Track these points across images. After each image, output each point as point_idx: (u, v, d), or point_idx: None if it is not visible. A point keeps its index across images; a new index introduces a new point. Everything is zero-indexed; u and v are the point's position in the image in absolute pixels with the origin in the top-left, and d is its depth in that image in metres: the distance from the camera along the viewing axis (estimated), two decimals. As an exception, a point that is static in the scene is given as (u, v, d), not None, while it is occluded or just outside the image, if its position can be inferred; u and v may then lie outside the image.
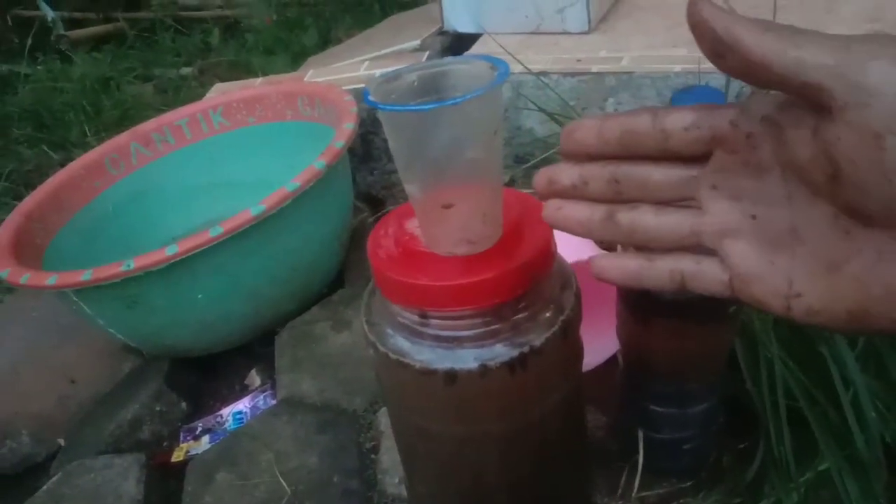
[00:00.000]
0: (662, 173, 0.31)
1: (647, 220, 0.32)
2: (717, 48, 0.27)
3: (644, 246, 0.32)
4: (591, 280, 0.52)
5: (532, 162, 1.01)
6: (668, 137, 0.30)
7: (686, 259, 0.31)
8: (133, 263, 0.75)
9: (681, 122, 0.30)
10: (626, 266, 0.33)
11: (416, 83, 0.41)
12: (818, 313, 0.28)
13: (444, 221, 0.42)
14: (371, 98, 0.37)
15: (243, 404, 0.89)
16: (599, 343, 0.72)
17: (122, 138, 1.15)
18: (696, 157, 0.31)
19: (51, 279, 0.78)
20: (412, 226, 0.47)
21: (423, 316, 0.44)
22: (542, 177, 0.34)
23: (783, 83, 0.26)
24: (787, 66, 0.25)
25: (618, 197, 0.32)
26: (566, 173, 0.33)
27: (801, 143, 0.27)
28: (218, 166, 1.19)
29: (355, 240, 1.08)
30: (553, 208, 0.34)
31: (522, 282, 0.43)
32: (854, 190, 0.25)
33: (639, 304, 0.56)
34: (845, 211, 0.26)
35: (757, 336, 0.66)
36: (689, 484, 0.64)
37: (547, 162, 1.00)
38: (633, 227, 0.32)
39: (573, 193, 0.33)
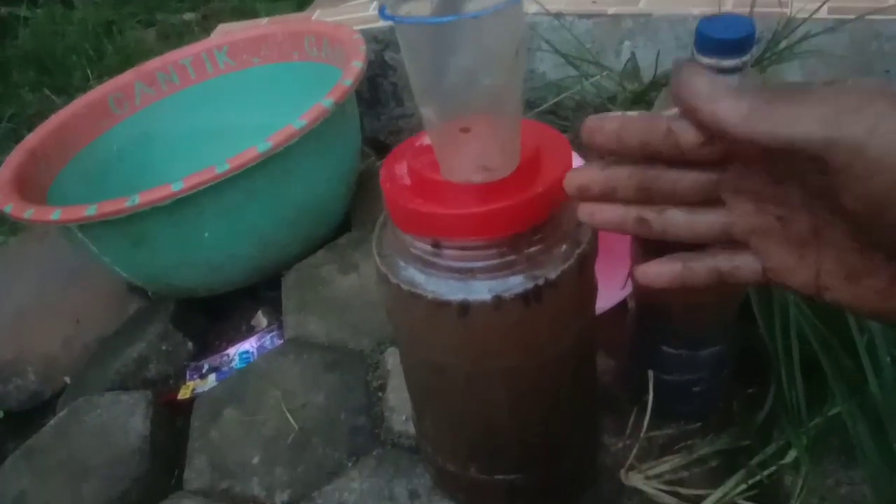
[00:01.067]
0: (687, 179, 0.32)
1: (678, 220, 0.33)
2: (705, 132, 0.28)
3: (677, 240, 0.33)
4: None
5: (544, 106, 0.99)
6: (685, 152, 0.31)
7: (721, 256, 0.32)
8: (138, 199, 0.74)
9: (694, 140, 0.30)
10: (670, 271, 0.34)
11: (434, 2, 0.40)
12: (845, 307, 0.30)
13: (461, 147, 0.40)
14: (388, 12, 0.35)
15: (250, 344, 0.89)
16: (609, 289, 0.71)
17: (125, 77, 1.13)
18: (716, 162, 0.31)
19: (55, 213, 0.77)
20: (427, 154, 0.45)
21: (437, 246, 0.43)
22: (571, 183, 0.35)
23: (778, 154, 0.27)
24: (778, 144, 0.26)
25: (647, 200, 0.33)
26: (595, 182, 0.34)
27: (811, 175, 0.27)
28: (224, 110, 1.17)
29: (362, 185, 1.07)
30: (587, 213, 0.35)
31: (539, 212, 0.42)
32: (859, 229, 0.27)
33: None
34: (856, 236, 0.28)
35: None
36: (697, 426, 0.64)
37: (559, 107, 0.98)
38: (665, 228, 0.33)
39: (603, 199, 0.34)
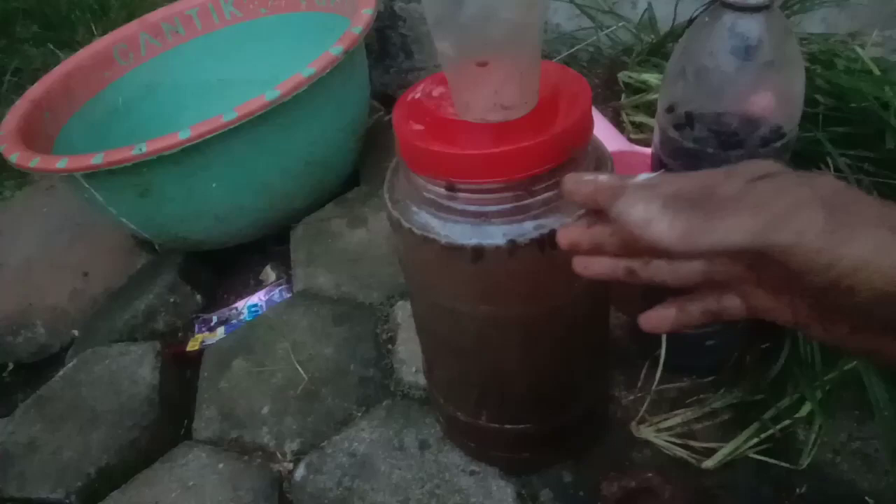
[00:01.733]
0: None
1: (663, 269, 0.35)
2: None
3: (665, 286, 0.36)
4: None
5: (557, 58, 0.97)
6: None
7: (709, 299, 0.35)
8: (145, 147, 0.73)
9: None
10: (669, 316, 0.36)
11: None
12: (827, 344, 0.33)
13: (478, 83, 0.39)
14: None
15: (258, 297, 0.89)
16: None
17: (130, 27, 1.11)
18: None
19: (61, 162, 0.76)
20: (442, 93, 0.44)
21: (451, 189, 0.42)
22: (563, 240, 0.37)
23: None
24: (718, 254, 0.30)
25: (632, 254, 0.36)
26: (583, 239, 0.36)
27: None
28: (230, 61, 1.15)
29: (371, 139, 1.05)
30: (581, 266, 0.37)
31: (557, 153, 0.41)
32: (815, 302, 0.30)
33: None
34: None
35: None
36: (709, 380, 0.64)
37: (573, 59, 0.96)
38: (651, 276, 0.36)
39: (593, 253, 0.37)
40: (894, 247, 0.26)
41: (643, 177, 0.33)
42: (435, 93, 0.44)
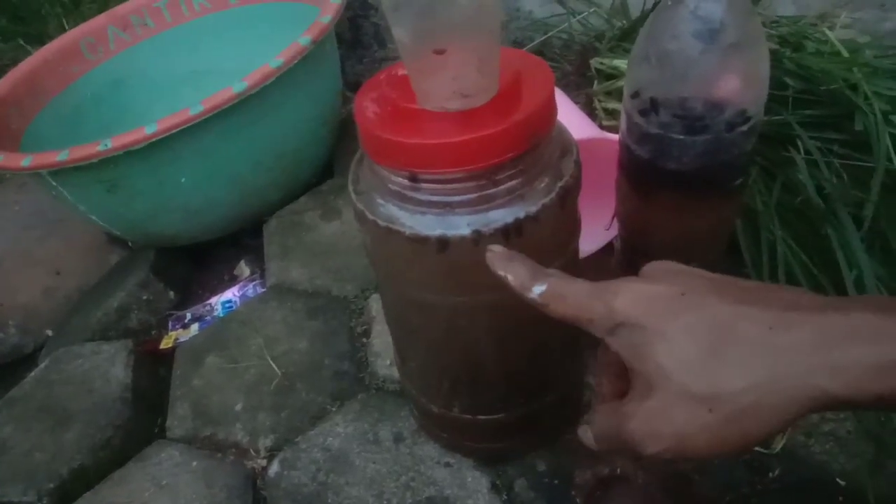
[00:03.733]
0: None
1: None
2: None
3: None
4: (588, 164, 0.49)
5: (530, 46, 0.96)
6: None
7: None
8: (111, 143, 0.72)
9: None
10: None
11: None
12: None
13: (436, 70, 0.38)
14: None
15: (232, 293, 0.88)
16: (594, 231, 0.70)
17: (98, 21, 1.09)
18: None
19: (26, 160, 0.75)
20: (403, 84, 0.43)
21: (414, 179, 0.41)
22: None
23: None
24: (560, 313, 0.34)
25: None
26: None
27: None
28: (201, 53, 1.13)
29: (344, 130, 1.04)
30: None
31: (520, 141, 0.40)
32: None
33: (641, 177, 0.53)
34: None
35: (759, 217, 0.64)
36: (683, 366, 0.63)
37: (545, 46, 0.95)
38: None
39: None
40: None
41: (537, 290, 0.35)
42: (396, 81, 0.44)
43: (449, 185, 0.41)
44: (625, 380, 0.36)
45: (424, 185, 0.41)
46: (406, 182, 0.42)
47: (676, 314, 0.30)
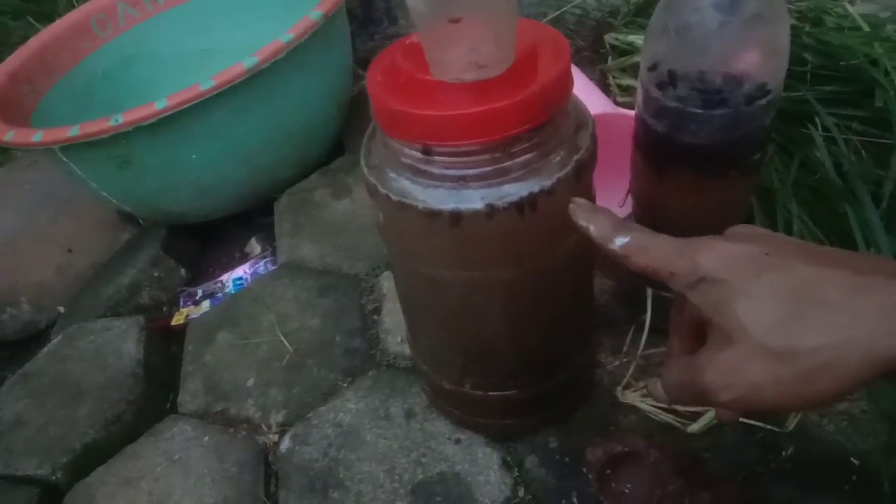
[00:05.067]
0: None
1: None
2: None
3: None
4: (602, 139, 0.49)
5: (544, 21, 0.95)
6: None
7: None
8: (122, 118, 0.72)
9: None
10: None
11: None
12: None
13: (452, 41, 0.38)
14: None
15: (243, 270, 0.88)
16: (608, 206, 0.69)
17: (107, -5, 1.08)
18: None
19: (37, 136, 0.75)
20: (416, 55, 0.43)
21: (427, 152, 0.41)
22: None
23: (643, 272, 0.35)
24: (642, 265, 0.35)
25: None
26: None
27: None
28: (212, 30, 1.13)
29: (355, 107, 1.03)
30: None
31: (535, 113, 0.40)
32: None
33: (655, 154, 0.52)
34: None
35: (776, 194, 0.63)
36: (696, 344, 0.63)
37: (559, 21, 0.94)
38: None
39: None
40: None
41: (620, 241, 0.36)
42: (410, 54, 0.43)
43: (462, 158, 0.41)
44: (696, 340, 0.37)
45: (438, 158, 0.41)
46: (419, 155, 0.41)
47: (759, 272, 0.31)
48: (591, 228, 0.37)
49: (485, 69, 0.39)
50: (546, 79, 0.39)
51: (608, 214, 0.37)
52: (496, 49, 0.38)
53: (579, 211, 0.38)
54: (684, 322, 0.39)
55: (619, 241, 0.36)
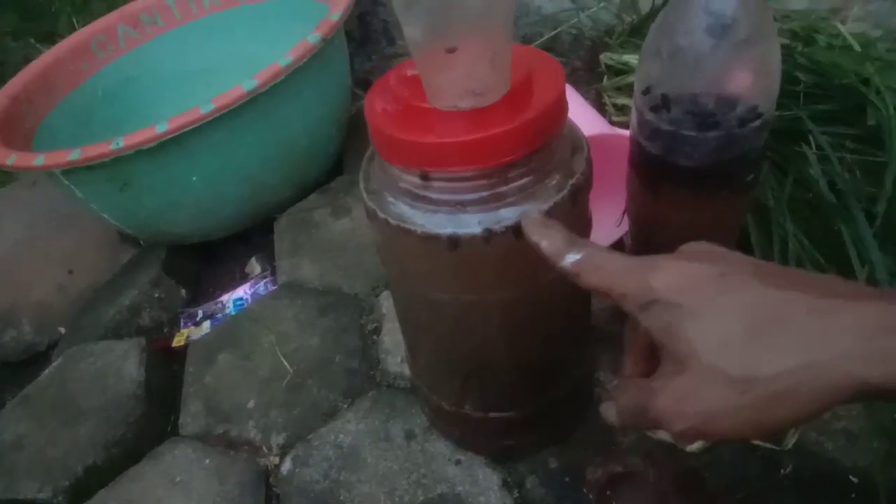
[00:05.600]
0: None
1: None
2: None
3: None
4: (599, 160, 0.49)
5: (539, 41, 0.96)
6: None
7: None
8: (122, 141, 0.72)
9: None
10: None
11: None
12: None
13: (448, 69, 0.38)
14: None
15: (244, 291, 0.88)
16: (604, 226, 0.70)
17: (108, 19, 1.10)
18: None
19: (38, 159, 0.75)
20: (414, 82, 0.43)
21: (425, 178, 0.41)
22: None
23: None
24: (593, 284, 0.34)
25: None
26: None
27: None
28: (212, 50, 1.14)
29: (354, 126, 1.04)
30: None
31: (531, 139, 0.40)
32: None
33: (650, 175, 0.53)
34: None
35: (771, 212, 0.64)
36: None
37: (555, 41, 0.95)
38: None
39: None
40: None
41: (571, 258, 0.35)
42: (407, 80, 0.44)
43: (460, 184, 0.41)
44: (650, 361, 0.36)
45: (436, 184, 0.41)
46: (417, 181, 0.42)
47: (714, 295, 0.30)
48: (544, 244, 0.36)
49: (481, 97, 0.39)
50: (542, 105, 0.40)
51: (561, 230, 0.36)
52: (491, 77, 0.39)
53: (531, 226, 0.37)
54: (637, 343, 0.38)
55: (571, 259, 0.34)
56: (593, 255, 0.34)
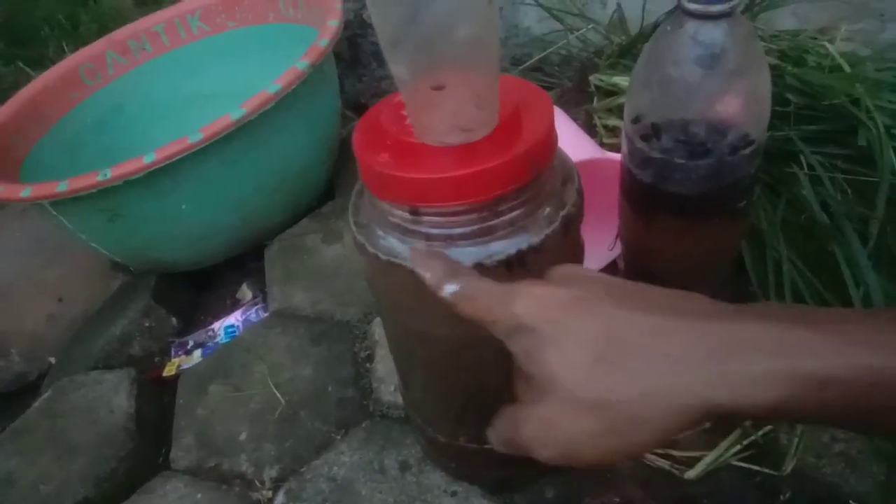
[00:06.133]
0: None
1: None
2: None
3: None
4: (589, 184, 0.49)
5: (529, 63, 0.96)
6: None
7: None
8: (110, 173, 0.72)
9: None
10: None
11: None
12: None
13: (435, 106, 0.38)
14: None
15: (235, 318, 0.88)
16: (597, 250, 0.70)
17: (96, 46, 1.09)
18: None
19: (25, 191, 0.75)
20: (402, 116, 0.43)
21: (415, 213, 0.41)
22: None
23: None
24: (468, 314, 0.34)
25: None
26: None
27: None
28: (202, 76, 1.14)
29: (345, 150, 1.04)
30: None
31: (521, 173, 0.40)
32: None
33: (643, 201, 0.53)
34: None
35: (765, 236, 0.63)
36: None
37: (544, 62, 0.95)
38: None
39: None
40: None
41: (449, 289, 0.34)
42: (396, 114, 0.43)
43: (450, 218, 0.41)
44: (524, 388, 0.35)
45: (425, 219, 0.41)
46: (407, 215, 0.41)
47: (569, 319, 0.30)
48: (427, 276, 0.35)
49: (469, 133, 0.39)
50: (531, 138, 0.40)
51: (442, 261, 0.35)
52: (479, 113, 0.39)
53: (416, 258, 0.36)
54: (512, 370, 0.37)
55: (449, 289, 0.34)
56: (469, 284, 0.34)
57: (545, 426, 0.30)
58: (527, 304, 0.31)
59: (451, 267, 0.35)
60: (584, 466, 0.30)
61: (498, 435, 0.35)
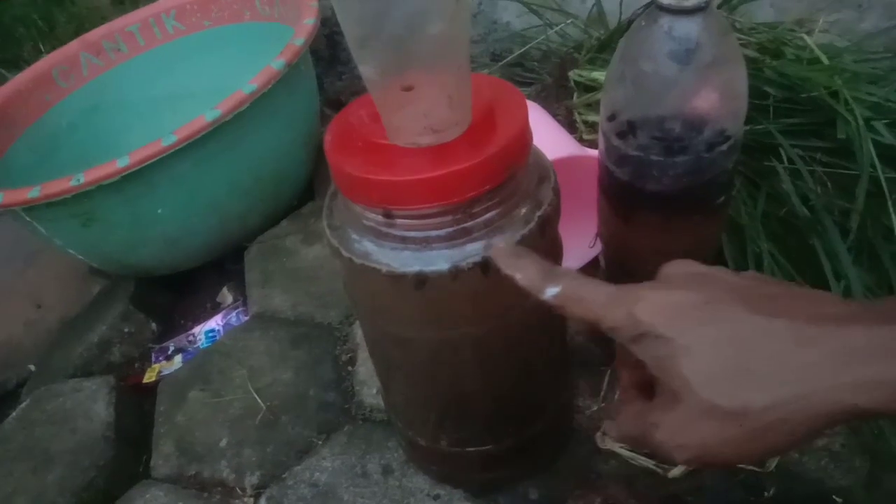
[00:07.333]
0: None
1: None
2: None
3: None
4: (569, 181, 0.48)
5: (509, 58, 0.95)
6: None
7: None
8: (83, 177, 0.70)
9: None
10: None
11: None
12: None
13: (405, 107, 0.37)
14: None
15: (215, 322, 0.86)
16: (578, 248, 0.69)
17: (70, 48, 1.07)
18: None
19: (-3, 197, 0.73)
20: (374, 118, 0.42)
21: (388, 216, 0.40)
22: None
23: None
24: (578, 316, 0.33)
25: None
26: None
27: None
28: (178, 75, 1.12)
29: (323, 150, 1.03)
30: None
31: (495, 174, 0.39)
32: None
33: (621, 198, 0.52)
34: None
35: (745, 230, 0.63)
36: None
37: (524, 57, 0.94)
38: None
39: None
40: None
41: (551, 292, 0.33)
42: (367, 116, 0.42)
43: (424, 221, 0.40)
44: (646, 389, 0.35)
45: (399, 221, 0.40)
46: (381, 218, 0.41)
47: (700, 326, 0.30)
48: (519, 277, 0.34)
49: (440, 133, 0.38)
50: (505, 138, 0.39)
51: (535, 261, 0.35)
52: (451, 114, 0.38)
53: (502, 259, 0.36)
54: (630, 369, 0.37)
55: (551, 292, 0.33)
56: (573, 285, 0.33)
57: (680, 432, 0.30)
58: (651, 308, 0.31)
59: (545, 267, 0.34)
60: (720, 467, 0.31)
61: (624, 434, 0.36)
